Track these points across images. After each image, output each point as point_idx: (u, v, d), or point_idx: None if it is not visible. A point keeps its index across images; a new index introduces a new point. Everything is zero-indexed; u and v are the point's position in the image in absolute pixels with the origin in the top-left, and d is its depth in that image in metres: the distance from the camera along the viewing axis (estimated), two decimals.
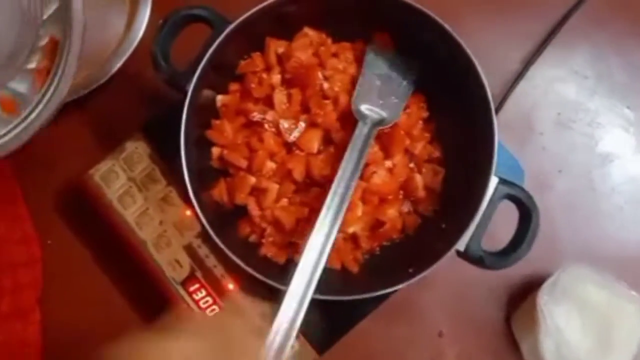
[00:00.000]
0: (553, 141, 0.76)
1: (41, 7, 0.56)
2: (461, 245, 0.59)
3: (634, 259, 0.74)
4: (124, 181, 0.67)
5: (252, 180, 0.62)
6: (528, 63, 0.75)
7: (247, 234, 0.64)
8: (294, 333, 0.51)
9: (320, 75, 0.64)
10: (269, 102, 0.64)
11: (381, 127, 0.62)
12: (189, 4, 0.61)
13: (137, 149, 0.67)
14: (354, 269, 0.64)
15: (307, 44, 0.65)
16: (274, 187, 0.62)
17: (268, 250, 0.63)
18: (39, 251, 0.68)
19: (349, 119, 0.62)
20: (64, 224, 0.71)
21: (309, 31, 0.66)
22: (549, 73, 0.77)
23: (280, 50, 0.65)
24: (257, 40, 0.66)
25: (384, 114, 0.63)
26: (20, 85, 0.56)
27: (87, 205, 0.67)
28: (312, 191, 0.62)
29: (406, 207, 0.65)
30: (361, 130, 0.60)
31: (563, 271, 0.67)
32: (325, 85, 0.64)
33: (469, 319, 0.72)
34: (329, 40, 0.67)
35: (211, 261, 0.65)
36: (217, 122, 0.64)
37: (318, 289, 0.53)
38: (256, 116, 0.63)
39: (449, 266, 0.59)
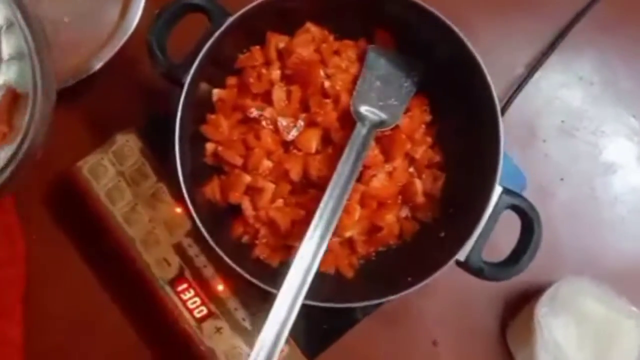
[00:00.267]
0: (556, 149, 0.75)
1: None
2: (461, 255, 0.57)
3: (635, 272, 0.73)
4: (112, 175, 0.64)
5: (247, 178, 0.60)
6: (533, 68, 0.74)
7: (240, 235, 0.62)
8: (283, 340, 0.50)
9: (321, 72, 0.62)
10: (267, 99, 0.62)
11: (381, 130, 0.61)
12: None
13: (127, 142, 0.65)
14: (349, 274, 0.62)
15: (309, 40, 0.63)
16: (269, 187, 0.60)
17: (261, 252, 0.61)
18: (23, 247, 0.65)
19: (350, 120, 0.61)
20: (50, 217, 0.68)
21: (311, 27, 0.64)
22: (554, 79, 0.76)
23: (281, 45, 0.64)
24: (258, 34, 0.64)
25: (383, 116, 0.61)
26: None
27: (74, 199, 0.65)
28: (309, 192, 0.61)
29: (404, 213, 0.64)
30: (359, 131, 0.59)
31: (563, 283, 0.66)
32: (327, 83, 0.62)
33: (464, 328, 0.70)
34: (331, 37, 0.65)
35: (201, 261, 0.63)
36: (213, 117, 0.62)
37: (311, 294, 0.52)
38: (254, 112, 0.61)
39: (446, 273, 0.58)
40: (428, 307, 0.70)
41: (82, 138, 0.69)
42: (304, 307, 0.52)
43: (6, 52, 0.54)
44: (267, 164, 0.61)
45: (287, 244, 0.60)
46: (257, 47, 0.64)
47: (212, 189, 0.61)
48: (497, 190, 0.57)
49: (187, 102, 0.57)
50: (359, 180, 0.60)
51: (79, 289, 0.67)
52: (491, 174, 0.57)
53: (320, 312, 0.57)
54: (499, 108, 0.59)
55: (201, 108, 0.62)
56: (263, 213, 0.60)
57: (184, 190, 0.56)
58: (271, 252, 0.61)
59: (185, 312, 0.63)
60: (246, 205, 0.61)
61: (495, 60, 0.69)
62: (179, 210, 0.64)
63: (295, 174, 0.61)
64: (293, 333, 0.61)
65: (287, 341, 0.62)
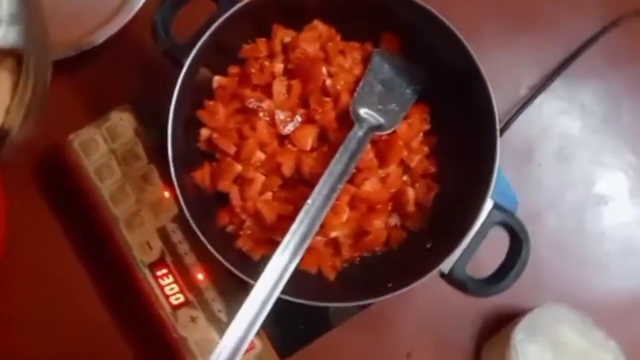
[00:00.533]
0: (550, 174, 0.74)
1: None
2: (445, 267, 0.57)
3: (615, 305, 0.72)
4: (104, 152, 0.64)
5: (239, 168, 0.60)
6: (537, 91, 0.73)
7: (225, 224, 0.61)
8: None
9: (324, 70, 0.62)
10: (267, 91, 0.62)
11: (378, 133, 0.60)
12: None
13: (122, 120, 0.65)
14: (331, 275, 0.61)
15: (316, 37, 0.63)
16: (259, 178, 0.60)
17: (244, 244, 0.60)
18: (4, 208, 0.64)
19: (348, 120, 0.60)
20: (35, 187, 0.67)
21: (319, 24, 0.64)
22: (557, 104, 0.76)
23: (287, 39, 0.63)
24: (264, 25, 0.63)
25: (382, 120, 0.61)
26: None
27: (63, 171, 0.64)
28: (299, 189, 0.60)
29: (393, 220, 0.63)
30: (356, 133, 0.58)
31: (542, 309, 0.65)
32: (328, 81, 0.62)
33: (439, 343, 0.69)
34: (338, 37, 0.65)
35: (183, 248, 0.63)
36: (211, 102, 0.62)
37: (289, 290, 0.51)
38: (252, 103, 0.61)
39: (427, 286, 0.58)
40: (405, 319, 0.69)
41: (77, 110, 0.68)
42: (281, 303, 0.51)
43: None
44: (260, 155, 0.60)
45: (271, 237, 0.59)
46: (263, 39, 0.64)
47: (202, 175, 0.61)
48: (488, 204, 0.57)
49: (185, 84, 0.57)
50: (350, 182, 0.60)
51: (55, 261, 0.66)
52: (484, 188, 0.57)
53: (298, 311, 0.57)
54: (498, 125, 0.59)
55: (200, 93, 0.62)
56: (250, 204, 0.60)
57: (172, 171, 0.56)
58: (254, 244, 0.60)
59: (162, 297, 0.62)
60: (234, 194, 0.60)
61: (500, 78, 0.69)
62: (167, 194, 0.63)
63: (287, 168, 0.60)
64: (268, 329, 0.62)
65: (261, 337, 0.62)
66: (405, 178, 0.63)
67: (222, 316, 0.62)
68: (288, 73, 0.63)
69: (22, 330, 0.65)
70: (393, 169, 0.62)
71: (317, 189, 0.54)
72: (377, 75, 0.63)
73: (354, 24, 0.64)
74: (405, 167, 0.63)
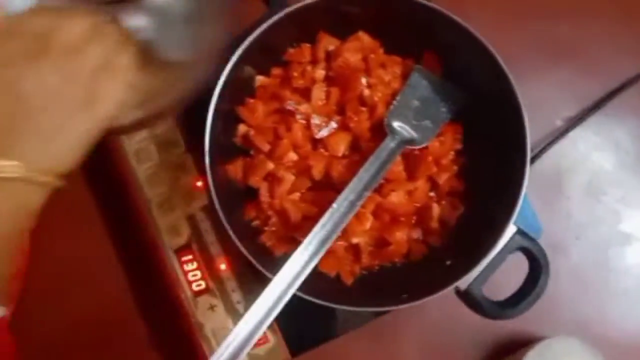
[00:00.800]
0: (578, 208, 0.74)
1: None
2: (462, 284, 0.58)
3: (629, 346, 0.72)
4: (145, 136, 0.66)
5: (271, 166, 0.62)
6: (573, 124, 0.73)
7: (251, 218, 0.63)
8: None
9: (364, 81, 0.63)
10: (306, 95, 0.63)
11: (409, 147, 0.61)
12: None
13: None
14: (348, 280, 0.63)
15: (359, 47, 0.64)
16: (290, 178, 0.61)
17: (268, 239, 0.62)
18: None
19: (381, 132, 0.61)
20: None
21: (363, 36, 0.65)
22: (592, 139, 0.76)
23: (331, 47, 0.65)
24: (310, 31, 0.65)
25: (414, 134, 0.62)
26: None
27: (103, 150, 0.65)
28: (327, 193, 0.61)
29: (416, 234, 0.64)
30: (387, 144, 0.59)
31: (554, 341, 0.65)
32: (366, 92, 0.63)
33: None
34: (381, 50, 0.66)
35: (210, 237, 0.64)
36: (252, 100, 0.64)
37: (305, 288, 0.52)
38: (291, 105, 0.63)
39: (440, 304, 0.58)
40: (416, 333, 0.70)
41: None
42: (297, 302, 0.52)
43: None
44: (292, 156, 0.62)
45: (294, 236, 0.61)
46: (307, 44, 0.65)
47: (235, 168, 0.62)
48: (511, 228, 0.58)
49: (229, 80, 0.59)
50: (377, 191, 0.61)
51: (85, 236, 0.68)
52: (508, 213, 0.57)
53: (313, 313, 0.58)
54: (529, 154, 0.59)
55: (241, 90, 0.63)
56: (278, 202, 0.61)
57: (207, 162, 0.57)
58: (277, 241, 0.62)
59: (185, 282, 0.64)
60: (264, 190, 0.62)
61: (537, 108, 0.70)
62: (199, 184, 0.65)
63: (317, 171, 0.61)
64: (282, 326, 0.63)
65: (274, 332, 0.63)
66: (432, 194, 0.64)
67: (240, 307, 0.63)
68: (328, 80, 0.64)
69: (46, 301, 0.66)
70: (421, 183, 0.63)
71: (343, 195, 0.55)
72: (415, 91, 0.64)
73: (397, 38, 0.65)
74: (433, 184, 0.64)
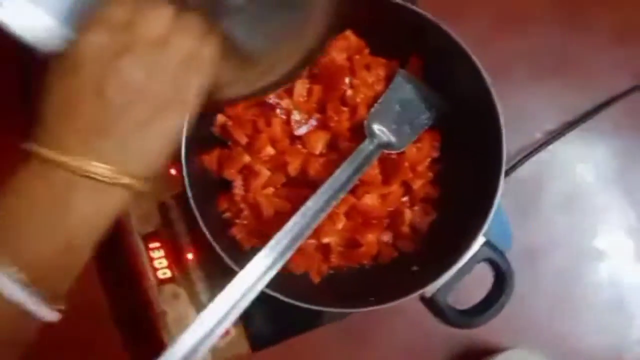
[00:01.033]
0: (552, 221, 0.74)
1: None
2: (428, 291, 0.58)
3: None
4: None
5: (247, 159, 0.61)
6: (554, 137, 0.73)
7: (223, 210, 0.62)
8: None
9: (347, 81, 0.63)
10: (288, 90, 0.63)
11: (387, 151, 0.61)
12: None
13: None
14: (316, 279, 0.63)
15: (345, 47, 0.64)
16: (265, 173, 0.61)
17: (238, 232, 0.62)
18: None
19: (360, 133, 0.61)
20: None
21: (350, 35, 0.65)
22: (572, 153, 0.75)
23: None
24: None
25: (393, 138, 0.62)
26: None
27: None
28: (301, 191, 0.61)
29: (386, 237, 0.64)
30: (366, 146, 0.59)
31: (513, 352, 0.65)
32: (349, 92, 0.63)
33: None
34: (367, 51, 0.66)
35: (179, 226, 0.64)
36: None
37: (271, 285, 0.51)
38: (271, 99, 0.62)
39: (408, 306, 0.58)
40: (381, 335, 0.70)
41: None
42: (264, 298, 0.51)
43: None
44: (269, 150, 0.62)
45: (264, 231, 0.60)
46: None
47: (211, 158, 0.62)
48: (480, 240, 0.58)
49: None
50: (352, 193, 0.61)
51: None
52: (479, 224, 0.57)
53: (278, 308, 0.58)
54: (504, 167, 0.59)
55: None
56: (251, 195, 0.61)
57: (183, 150, 0.57)
58: (247, 234, 0.62)
59: (150, 270, 0.63)
60: (238, 183, 0.61)
61: (520, 119, 0.70)
62: (173, 171, 0.64)
63: (293, 168, 0.61)
64: (245, 320, 0.63)
65: (237, 326, 0.63)
66: (405, 199, 0.64)
67: (204, 298, 0.63)
68: (312, 77, 0.64)
69: None
70: (395, 188, 0.63)
71: (318, 193, 0.55)
72: (398, 95, 0.64)
73: (384, 40, 0.64)
74: (407, 189, 0.64)
